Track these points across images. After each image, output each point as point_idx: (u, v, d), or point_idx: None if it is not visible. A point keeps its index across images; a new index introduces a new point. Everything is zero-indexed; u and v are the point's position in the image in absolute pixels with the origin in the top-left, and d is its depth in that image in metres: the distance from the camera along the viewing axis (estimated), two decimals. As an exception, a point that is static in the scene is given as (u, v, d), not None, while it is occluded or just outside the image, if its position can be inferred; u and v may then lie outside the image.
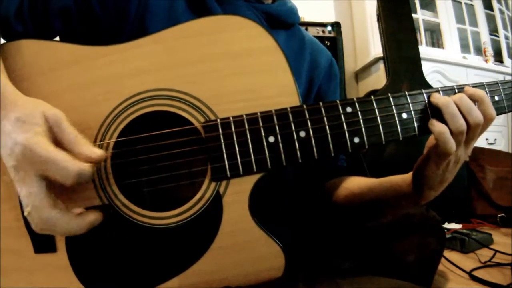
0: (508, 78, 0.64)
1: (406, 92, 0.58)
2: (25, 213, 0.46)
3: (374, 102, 0.57)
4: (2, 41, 0.59)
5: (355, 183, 0.76)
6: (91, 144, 0.50)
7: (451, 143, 0.55)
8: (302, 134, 0.54)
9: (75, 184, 0.46)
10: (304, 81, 0.79)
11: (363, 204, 0.72)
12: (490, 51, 3.44)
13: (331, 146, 0.55)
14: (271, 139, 0.54)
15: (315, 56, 0.82)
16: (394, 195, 0.67)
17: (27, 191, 0.45)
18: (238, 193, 0.54)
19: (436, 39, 3.33)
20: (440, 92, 0.59)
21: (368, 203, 0.71)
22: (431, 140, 0.60)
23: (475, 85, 0.61)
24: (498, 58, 3.54)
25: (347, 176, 0.80)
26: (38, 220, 0.46)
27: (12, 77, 0.52)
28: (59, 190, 0.48)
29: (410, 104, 0.58)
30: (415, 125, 0.57)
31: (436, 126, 0.56)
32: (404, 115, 0.57)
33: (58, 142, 0.48)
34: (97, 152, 0.49)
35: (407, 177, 0.65)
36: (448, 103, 0.56)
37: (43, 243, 0.54)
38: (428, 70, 2.80)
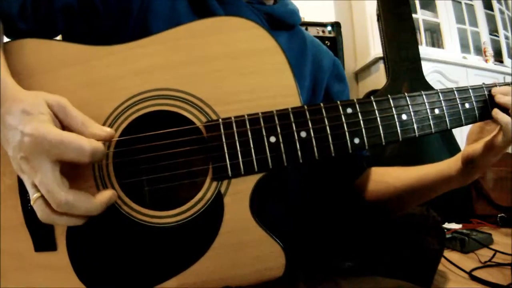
0: (508, 78, 0.65)
1: (406, 94, 0.58)
2: (32, 202, 0.47)
3: (374, 103, 0.57)
4: (6, 39, 0.59)
5: (392, 176, 0.77)
6: (99, 124, 0.51)
7: None
8: (303, 134, 0.54)
9: (91, 161, 0.47)
10: (308, 83, 0.79)
11: (410, 196, 0.74)
12: (490, 51, 3.43)
13: (331, 146, 0.55)
14: (272, 139, 0.54)
15: (317, 57, 0.82)
16: (444, 182, 0.69)
17: (41, 178, 0.45)
18: (239, 192, 0.54)
19: (436, 39, 3.33)
20: (440, 94, 0.60)
21: (416, 193, 0.73)
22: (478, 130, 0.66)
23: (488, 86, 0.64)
24: (498, 58, 3.54)
25: (371, 167, 0.81)
26: (56, 205, 0.46)
27: (14, 75, 0.52)
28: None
29: (410, 106, 0.58)
30: (415, 126, 0.58)
31: (504, 117, 0.60)
32: (404, 116, 0.58)
33: (65, 127, 0.49)
34: (107, 130, 0.50)
35: (453, 163, 0.68)
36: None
37: (43, 241, 0.54)
38: (428, 70, 2.80)
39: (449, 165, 0.69)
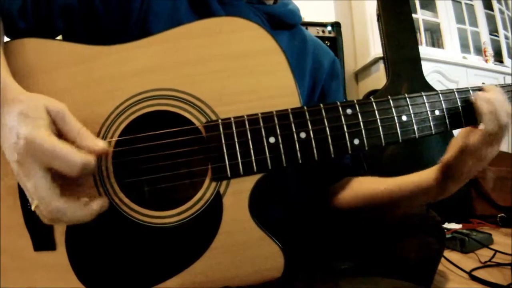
0: (508, 78, 0.64)
1: (406, 95, 0.58)
2: (33, 207, 0.47)
3: (374, 104, 0.57)
4: (6, 38, 0.59)
5: (368, 186, 0.75)
6: (95, 137, 0.50)
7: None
8: (303, 135, 0.54)
9: (80, 175, 0.47)
10: (308, 82, 0.79)
11: (382, 206, 0.72)
12: (490, 51, 3.43)
13: (331, 147, 0.55)
14: (272, 139, 0.54)
15: (318, 56, 0.82)
16: (421, 193, 0.68)
17: (33, 184, 0.45)
18: (238, 193, 0.54)
19: (436, 39, 3.33)
20: (440, 95, 0.60)
21: (389, 203, 0.71)
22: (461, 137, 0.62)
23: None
24: (498, 58, 3.54)
25: (351, 176, 0.79)
26: (46, 212, 0.46)
27: (14, 75, 0.52)
28: (63, 185, 0.49)
29: (410, 106, 0.58)
30: (415, 127, 0.58)
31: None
32: (404, 117, 0.57)
33: (61, 135, 0.48)
34: (100, 145, 0.49)
35: (432, 172, 0.66)
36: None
37: (42, 240, 0.54)
38: (428, 70, 2.80)
39: (427, 176, 0.66)
